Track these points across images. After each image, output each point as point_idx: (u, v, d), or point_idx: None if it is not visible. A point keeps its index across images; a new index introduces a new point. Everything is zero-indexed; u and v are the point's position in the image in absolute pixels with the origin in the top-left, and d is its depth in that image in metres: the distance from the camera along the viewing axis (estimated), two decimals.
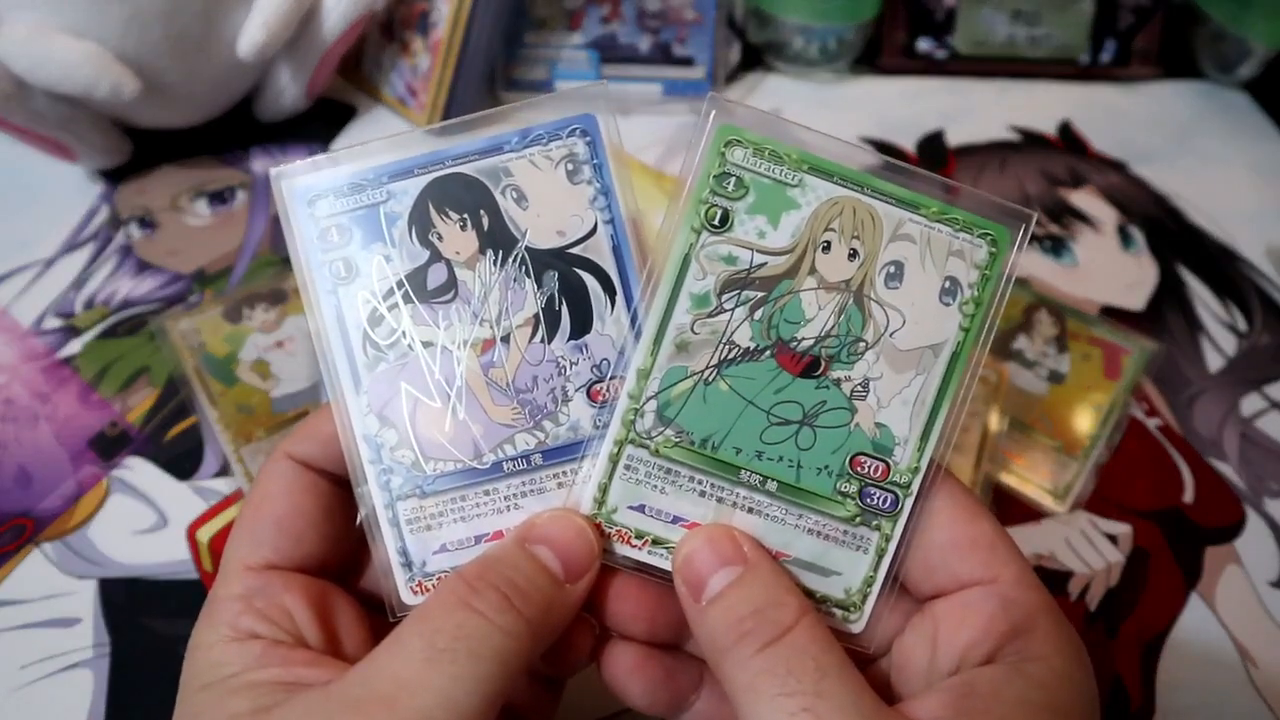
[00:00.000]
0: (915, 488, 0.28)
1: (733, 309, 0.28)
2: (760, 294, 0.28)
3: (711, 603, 0.25)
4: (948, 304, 0.28)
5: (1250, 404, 0.50)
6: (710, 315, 0.27)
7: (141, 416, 0.47)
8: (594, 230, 0.28)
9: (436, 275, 0.28)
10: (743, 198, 0.27)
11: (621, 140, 0.29)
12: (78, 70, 0.49)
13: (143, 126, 0.58)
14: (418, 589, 0.28)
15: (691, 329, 0.27)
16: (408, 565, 0.28)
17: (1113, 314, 0.54)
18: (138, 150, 0.59)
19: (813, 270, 0.28)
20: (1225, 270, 0.58)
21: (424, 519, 0.28)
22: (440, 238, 0.28)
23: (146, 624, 0.40)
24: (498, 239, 0.28)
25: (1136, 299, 0.56)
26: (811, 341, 0.28)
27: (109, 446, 0.46)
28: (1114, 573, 0.43)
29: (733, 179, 0.27)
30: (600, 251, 0.28)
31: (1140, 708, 0.39)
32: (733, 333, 0.28)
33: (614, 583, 0.28)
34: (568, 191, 0.28)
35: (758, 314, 0.28)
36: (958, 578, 0.27)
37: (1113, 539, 0.44)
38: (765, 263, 0.28)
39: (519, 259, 0.28)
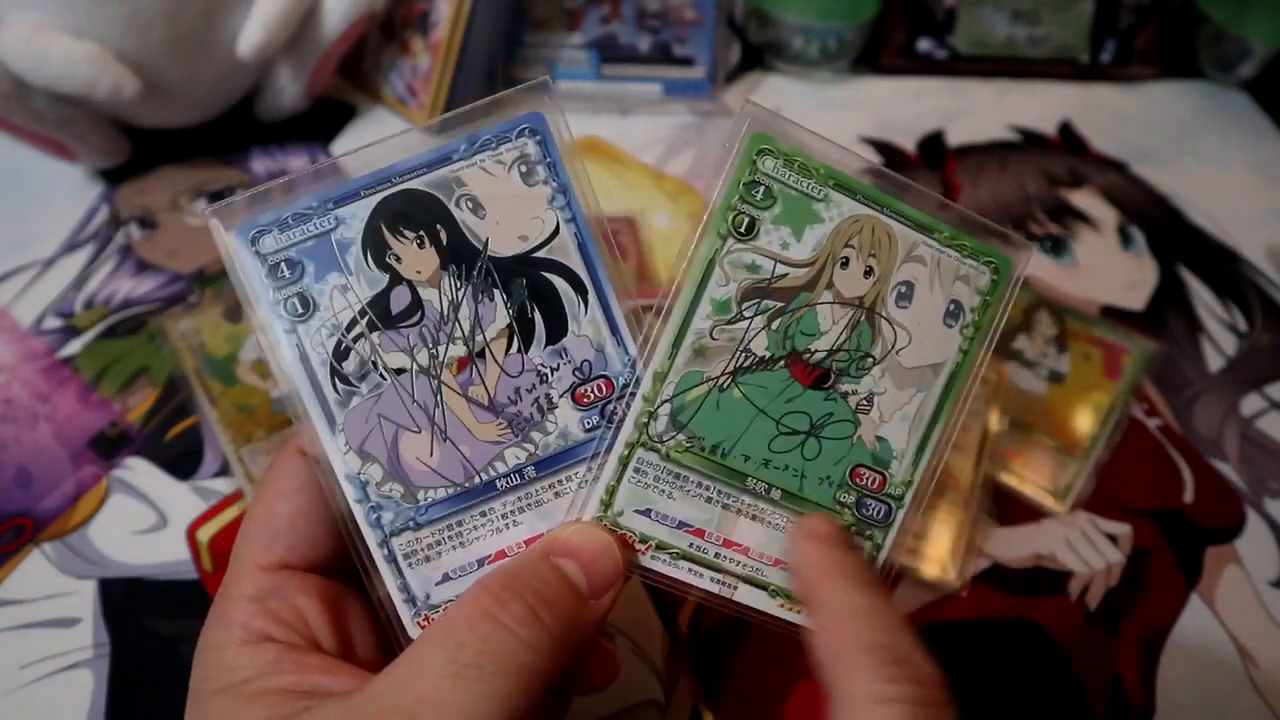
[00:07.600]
0: (907, 500, 0.29)
1: (751, 317, 0.28)
2: (779, 304, 0.28)
3: None
4: (950, 326, 0.29)
5: (1250, 404, 0.50)
6: (730, 322, 0.28)
7: (141, 416, 0.47)
8: (556, 231, 0.28)
9: (399, 299, 0.27)
10: (770, 207, 0.28)
11: (573, 135, 0.28)
12: (77, 70, 0.49)
13: (143, 126, 0.58)
14: (424, 624, 0.27)
15: (710, 334, 0.28)
16: (411, 601, 0.27)
17: (1113, 314, 0.54)
18: (138, 150, 0.59)
19: (830, 285, 0.28)
20: (1225, 270, 0.58)
21: (421, 551, 0.27)
22: (398, 259, 0.27)
23: (146, 624, 0.40)
24: (459, 253, 0.27)
25: (1136, 299, 0.56)
26: (823, 354, 0.28)
27: (109, 446, 0.46)
28: (1114, 573, 0.43)
29: (762, 188, 0.28)
30: (566, 251, 0.28)
31: (1140, 708, 0.39)
32: (750, 341, 0.28)
33: None
34: (524, 194, 0.27)
35: (775, 324, 0.28)
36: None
37: (1113, 539, 0.44)
38: (786, 274, 0.28)
39: (483, 270, 0.27)
